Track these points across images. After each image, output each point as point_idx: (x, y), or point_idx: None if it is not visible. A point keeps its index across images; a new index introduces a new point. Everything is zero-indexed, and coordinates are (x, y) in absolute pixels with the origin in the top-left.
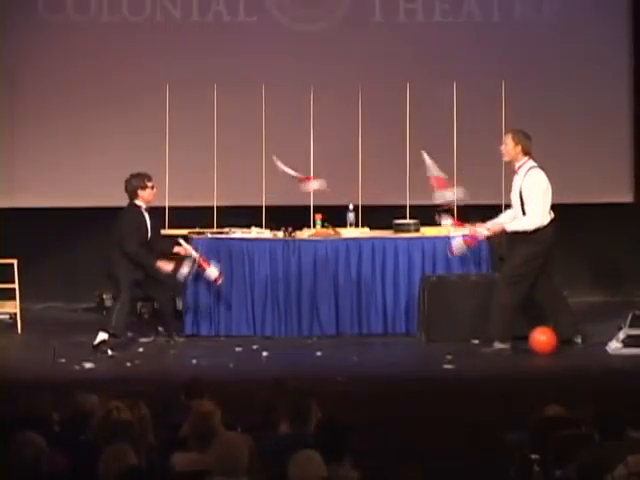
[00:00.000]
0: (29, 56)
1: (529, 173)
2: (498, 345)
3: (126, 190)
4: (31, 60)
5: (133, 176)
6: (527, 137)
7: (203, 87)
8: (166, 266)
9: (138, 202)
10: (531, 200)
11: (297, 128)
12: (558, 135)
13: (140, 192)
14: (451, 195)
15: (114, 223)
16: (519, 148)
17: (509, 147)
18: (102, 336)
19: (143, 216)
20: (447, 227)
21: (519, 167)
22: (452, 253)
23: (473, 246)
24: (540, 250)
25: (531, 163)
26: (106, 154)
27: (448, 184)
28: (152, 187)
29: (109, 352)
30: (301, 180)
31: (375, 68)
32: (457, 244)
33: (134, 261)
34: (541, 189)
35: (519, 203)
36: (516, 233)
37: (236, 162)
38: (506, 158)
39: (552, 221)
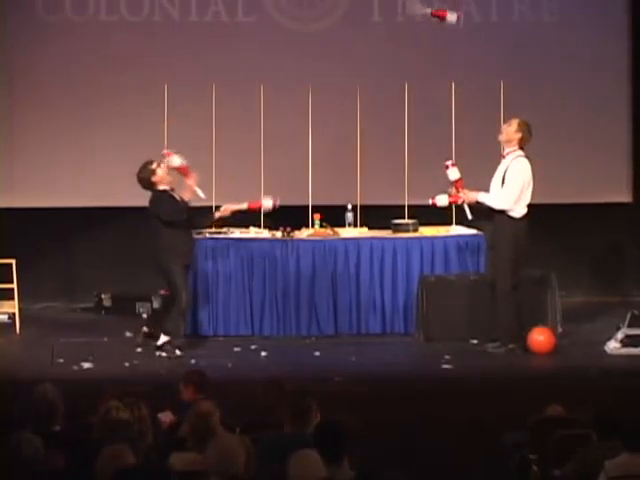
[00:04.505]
0: (27, 56)
1: (517, 159)
2: (510, 345)
3: (144, 187)
4: (29, 60)
5: (138, 172)
6: (530, 133)
7: (202, 87)
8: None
9: (161, 187)
10: (510, 184)
11: (295, 128)
12: (557, 135)
13: (155, 179)
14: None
15: (148, 218)
16: (518, 136)
17: (511, 129)
18: (164, 338)
19: (173, 196)
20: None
21: (508, 153)
22: (434, 205)
23: (453, 203)
24: (519, 244)
25: (521, 153)
26: (104, 154)
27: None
28: (159, 165)
29: (177, 352)
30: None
31: (374, 68)
32: (441, 199)
33: (195, 228)
34: (523, 179)
35: (500, 187)
36: (496, 226)
37: (234, 162)
38: (502, 137)
39: (526, 215)
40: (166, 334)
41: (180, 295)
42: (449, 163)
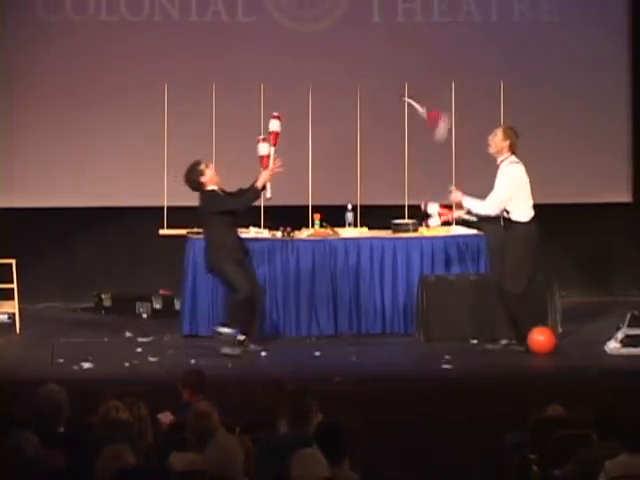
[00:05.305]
0: (28, 56)
1: (509, 165)
2: (504, 342)
3: (192, 188)
4: (30, 60)
5: (186, 174)
6: (517, 136)
7: (201, 87)
8: (265, 178)
9: (210, 187)
10: (497, 188)
11: (296, 128)
12: (557, 135)
13: (204, 179)
14: (445, 128)
15: (199, 215)
16: (507, 143)
17: (497, 139)
18: (226, 330)
19: (222, 194)
20: (433, 215)
21: (502, 161)
22: (427, 224)
23: (447, 220)
24: (530, 249)
25: (513, 159)
26: (104, 154)
27: (440, 115)
28: (207, 166)
29: (252, 347)
30: (431, 119)
31: (373, 68)
32: (433, 219)
33: (249, 205)
34: (511, 182)
35: None
36: (506, 230)
37: (234, 162)
38: (491, 149)
39: (534, 219)
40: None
41: (239, 290)
42: (422, 205)
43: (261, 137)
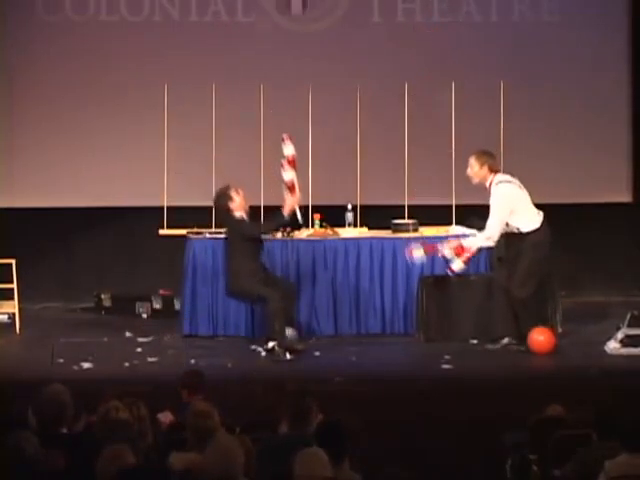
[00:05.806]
0: (27, 56)
1: (497, 186)
2: (505, 341)
3: (219, 213)
4: (29, 60)
5: (216, 198)
6: (491, 156)
7: (201, 87)
8: (291, 199)
9: (237, 214)
10: (493, 211)
11: (296, 128)
12: (557, 135)
13: (232, 205)
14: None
15: (225, 235)
16: (485, 169)
17: (475, 169)
18: (271, 344)
19: (246, 222)
20: (452, 259)
21: (490, 184)
22: (411, 258)
23: (430, 254)
24: (541, 252)
25: (499, 178)
26: (104, 154)
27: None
28: (237, 192)
29: (287, 356)
30: None
31: (374, 68)
32: (416, 251)
33: (267, 233)
34: (504, 200)
35: None
36: (515, 236)
37: (234, 162)
38: (475, 181)
39: (543, 224)
40: (272, 339)
41: (267, 299)
42: (451, 268)
43: (285, 161)
